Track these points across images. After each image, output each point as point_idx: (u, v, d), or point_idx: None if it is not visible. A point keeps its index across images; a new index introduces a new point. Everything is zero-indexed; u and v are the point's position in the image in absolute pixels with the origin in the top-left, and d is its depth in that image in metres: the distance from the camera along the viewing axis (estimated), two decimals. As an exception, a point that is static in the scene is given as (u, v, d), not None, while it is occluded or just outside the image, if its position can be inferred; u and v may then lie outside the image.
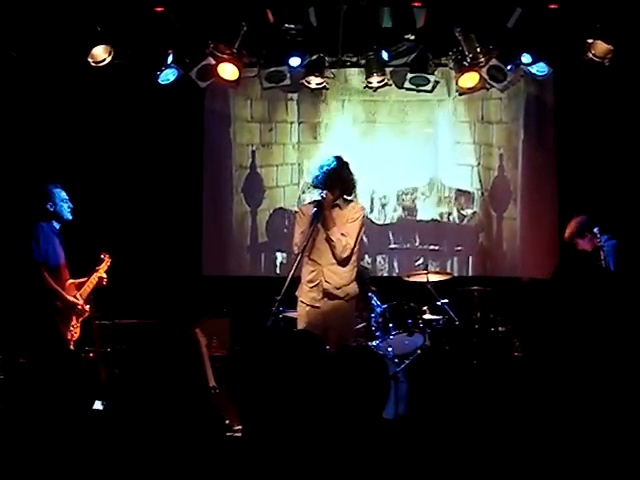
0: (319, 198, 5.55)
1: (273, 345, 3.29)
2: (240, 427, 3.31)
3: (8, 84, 7.29)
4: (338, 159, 5.67)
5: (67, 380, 2.39)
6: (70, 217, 6.08)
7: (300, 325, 5.66)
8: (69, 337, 6.00)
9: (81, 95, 7.61)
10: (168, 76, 7.11)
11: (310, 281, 5.63)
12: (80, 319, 6.11)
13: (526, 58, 6.95)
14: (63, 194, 6.08)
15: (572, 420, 2.43)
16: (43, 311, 5.90)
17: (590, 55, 6.87)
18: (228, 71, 7.09)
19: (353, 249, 5.63)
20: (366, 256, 7.90)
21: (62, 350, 5.81)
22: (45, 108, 7.60)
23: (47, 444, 2.17)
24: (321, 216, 5.52)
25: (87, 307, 6.12)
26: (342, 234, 5.56)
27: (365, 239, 7.21)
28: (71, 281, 6.14)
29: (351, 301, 5.74)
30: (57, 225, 6.06)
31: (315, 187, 5.65)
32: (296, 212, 5.92)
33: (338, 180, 5.59)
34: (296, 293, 5.70)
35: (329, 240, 5.55)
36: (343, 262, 5.59)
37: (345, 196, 5.69)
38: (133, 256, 7.65)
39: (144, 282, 7.63)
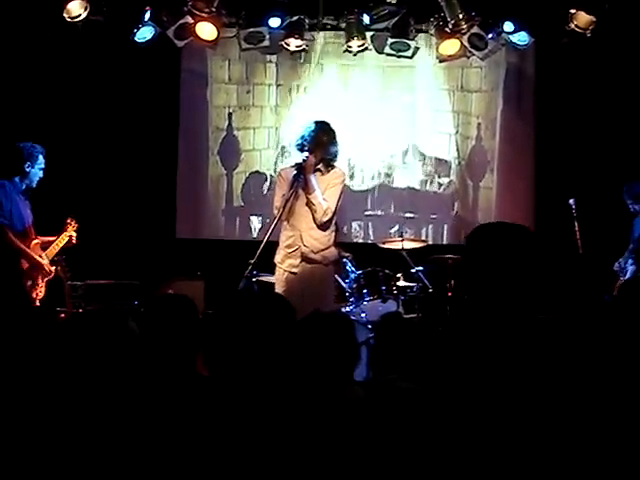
0: (300, 161, 5.50)
1: (244, 308, 3.25)
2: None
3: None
4: (319, 123, 5.61)
5: (36, 336, 2.34)
6: (34, 186, 6.00)
7: (278, 290, 5.63)
8: (34, 296, 5.94)
9: (56, 51, 7.44)
10: (145, 34, 6.99)
11: (288, 246, 5.60)
12: (45, 279, 6.04)
13: (508, 26, 6.92)
14: (42, 163, 5.99)
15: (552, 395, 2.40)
16: (8, 270, 5.81)
17: (572, 26, 6.86)
18: (206, 31, 6.98)
19: (334, 213, 5.60)
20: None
21: (28, 308, 5.74)
22: (18, 63, 7.42)
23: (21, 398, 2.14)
24: (302, 180, 5.47)
25: (52, 268, 6.05)
26: (324, 198, 5.52)
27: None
28: (36, 241, 6.06)
29: (330, 266, 5.73)
30: (22, 185, 5.96)
31: (298, 150, 5.60)
32: (278, 175, 5.86)
33: (320, 144, 5.53)
34: (274, 259, 5.67)
35: (310, 204, 5.51)
36: (323, 226, 5.57)
37: (327, 162, 5.64)
38: (106, 217, 7.57)
39: (118, 243, 7.56)
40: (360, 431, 2.37)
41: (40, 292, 5.98)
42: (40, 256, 5.99)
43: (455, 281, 6.80)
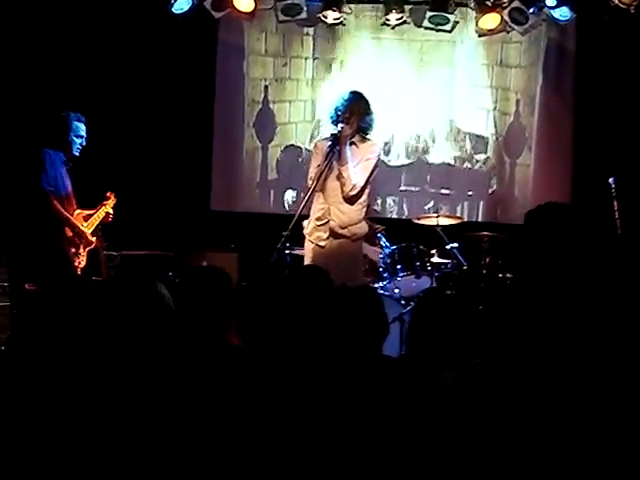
0: (335, 132, 5.46)
1: (279, 280, 3.25)
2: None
3: (20, 11, 7.16)
4: (355, 93, 5.55)
5: (77, 305, 2.36)
6: (77, 154, 6.03)
7: (306, 263, 5.62)
8: (77, 264, 6.02)
9: (93, 22, 7.46)
10: (182, 5, 7.01)
11: (318, 218, 5.58)
12: (87, 249, 6.11)
13: (550, 1, 6.82)
14: (82, 130, 6.02)
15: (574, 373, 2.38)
16: (52, 238, 5.88)
17: (616, 1, 6.72)
18: (243, 2, 6.99)
19: (363, 188, 5.56)
20: (377, 197, 7.84)
21: (71, 276, 5.81)
22: (56, 35, 7.46)
23: (55, 369, 2.16)
24: (337, 151, 5.44)
25: (93, 238, 6.12)
26: (355, 172, 5.48)
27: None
28: (79, 211, 6.13)
29: (358, 241, 5.69)
30: (63, 155, 6.01)
31: (333, 122, 5.55)
32: (314, 147, 5.82)
33: (355, 114, 5.47)
34: (304, 231, 5.66)
35: (340, 176, 5.47)
36: (350, 200, 5.53)
37: (362, 134, 5.59)
38: (142, 188, 7.60)
39: (153, 215, 7.61)
40: (454, 416, 2.37)
41: (82, 261, 6.07)
42: (82, 226, 6.07)
43: (491, 258, 6.75)
